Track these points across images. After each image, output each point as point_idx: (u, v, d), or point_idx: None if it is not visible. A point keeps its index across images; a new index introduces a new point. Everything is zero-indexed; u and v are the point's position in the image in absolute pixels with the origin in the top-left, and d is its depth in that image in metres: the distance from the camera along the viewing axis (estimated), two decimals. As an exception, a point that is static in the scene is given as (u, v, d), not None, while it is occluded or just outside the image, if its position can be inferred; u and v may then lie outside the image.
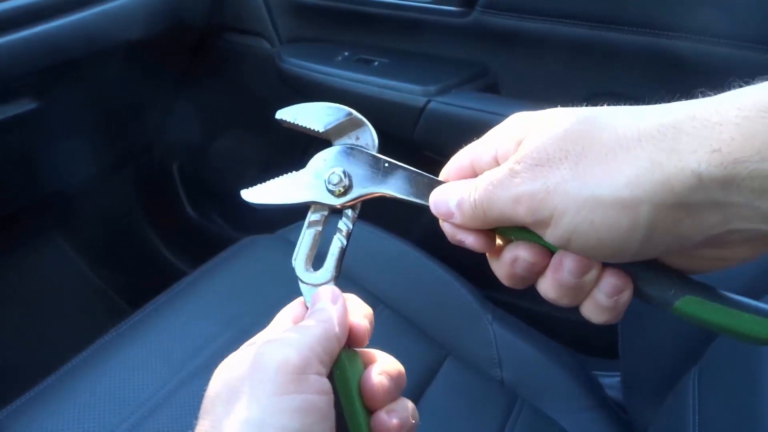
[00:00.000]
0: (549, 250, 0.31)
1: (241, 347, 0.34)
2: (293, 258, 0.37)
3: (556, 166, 0.27)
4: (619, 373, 0.93)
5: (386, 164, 0.36)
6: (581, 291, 0.30)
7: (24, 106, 0.97)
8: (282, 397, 0.30)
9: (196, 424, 0.31)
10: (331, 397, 0.32)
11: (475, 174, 0.32)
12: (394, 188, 0.35)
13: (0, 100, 0.94)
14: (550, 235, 0.28)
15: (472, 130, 1.16)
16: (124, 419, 0.68)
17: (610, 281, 0.30)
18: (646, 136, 0.26)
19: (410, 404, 0.35)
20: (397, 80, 1.02)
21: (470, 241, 0.32)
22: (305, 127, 0.37)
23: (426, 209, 0.34)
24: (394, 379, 0.34)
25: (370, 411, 0.34)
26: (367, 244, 0.94)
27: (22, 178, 1.15)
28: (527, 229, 0.30)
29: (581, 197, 0.26)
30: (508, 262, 0.32)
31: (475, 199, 0.31)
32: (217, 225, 1.48)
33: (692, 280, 0.30)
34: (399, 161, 0.36)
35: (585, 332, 1.07)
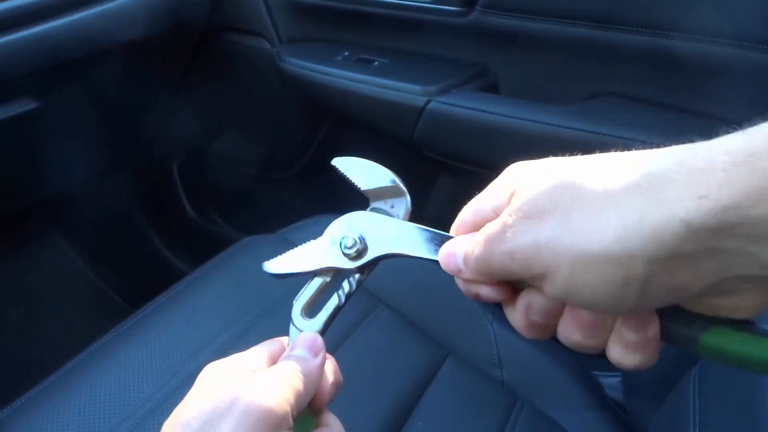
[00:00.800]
0: None
1: (212, 367, 0.34)
2: (294, 299, 0.38)
3: (545, 219, 0.27)
4: (619, 373, 0.93)
5: (400, 225, 0.37)
6: (605, 327, 0.30)
7: (24, 106, 0.97)
8: None
9: None
10: None
11: (478, 227, 0.32)
12: (407, 247, 0.36)
13: (0, 100, 0.94)
14: (548, 291, 0.28)
15: (473, 129, 1.16)
16: (125, 419, 0.68)
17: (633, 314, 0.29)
18: (633, 186, 0.26)
19: None
20: (397, 80, 1.02)
21: (485, 292, 0.32)
22: (351, 181, 0.39)
23: (427, 265, 0.36)
24: None
25: None
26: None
27: (22, 178, 1.15)
28: None
29: (572, 254, 0.26)
30: (523, 310, 0.31)
31: (477, 255, 0.31)
32: (217, 225, 1.48)
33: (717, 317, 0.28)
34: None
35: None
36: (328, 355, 0.37)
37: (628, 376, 0.83)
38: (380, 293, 0.88)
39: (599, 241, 0.25)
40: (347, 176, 0.39)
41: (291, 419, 0.31)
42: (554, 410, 0.81)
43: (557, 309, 0.31)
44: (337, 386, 0.37)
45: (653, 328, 0.29)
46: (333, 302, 0.38)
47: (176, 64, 1.27)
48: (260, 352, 0.37)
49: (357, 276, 0.38)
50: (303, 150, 1.30)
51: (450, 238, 0.35)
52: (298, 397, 0.33)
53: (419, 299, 0.90)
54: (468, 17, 0.99)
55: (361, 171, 0.39)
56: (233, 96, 1.33)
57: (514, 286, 0.32)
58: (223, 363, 0.35)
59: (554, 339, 0.32)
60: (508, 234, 0.28)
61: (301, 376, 0.33)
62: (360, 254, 0.37)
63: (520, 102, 0.96)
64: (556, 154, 0.31)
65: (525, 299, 0.31)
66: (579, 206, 0.27)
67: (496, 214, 0.31)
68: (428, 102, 0.98)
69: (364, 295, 0.87)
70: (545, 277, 0.28)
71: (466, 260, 0.32)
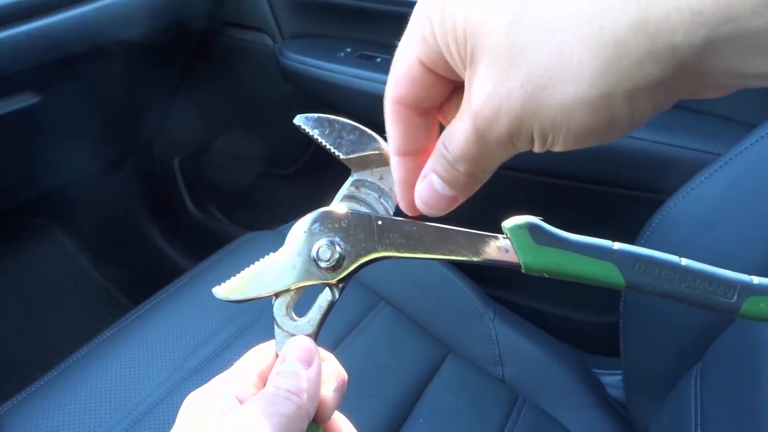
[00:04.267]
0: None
1: (195, 397, 0.31)
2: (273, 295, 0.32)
3: (516, 76, 0.23)
4: (620, 372, 0.93)
5: (380, 222, 0.31)
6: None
7: (25, 101, 0.97)
8: None
9: None
10: None
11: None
12: (391, 246, 0.31)
13: (1, 95, 0.94)
14: (547, 146, 0.25)
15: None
16: (126, 415, 0.68)
17: None
18: (603, 9, 0.21)
19: None
20: (399, 77, 1.02)
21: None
22: (324, 144, 0.32)
23: (429, 262, 0.32)
24: None
25: None
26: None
27: (23, 173, 1.15)
28: (548, 255, 0.28)
29: (552, 109, 0.23)
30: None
31: (471, 150, 0.26)
32: (218, 221, 1.48)
33: (751, 279, 0.27)
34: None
35: (586, 330, 1.07)
36: (328, 355, 0.33)
37: (630, 374, 0.83)
38: (381, 290, 0.88)
39: (574, 90, 0.22)
40: (321, 141, 0.32)
41: None
42: (555, 408, 0.81)
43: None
44: (341, 389, 0.33)
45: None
46: (325, 297, 0.32)
47: (177, 60, 1.26)
48: (246, 373, 0.32)
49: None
50: (304, 146, 1.30)
51: (446, 229, 0.30)
52: (290, 423, 0.29)
53: (420, 296, 0.90)
54: (471, 14, 0.99)
55: (338, 133, 0.32)
56: (234, 92, 1.33)
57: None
58: (205, 394, 0.31)
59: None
60: (484, 129, 0.24)
61: (292, 399, 0.29)
62: (338, 265, 0.31)
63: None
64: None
65: None
66: (540, 53, 0.22)
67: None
68: (430, 99, 0.98)
69: (365, 291, 0.87)
70: (536, 143, 0.24)
71: (453, 184, 0.27)
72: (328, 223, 0.31)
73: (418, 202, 0.29)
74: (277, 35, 1.19)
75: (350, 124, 0.32)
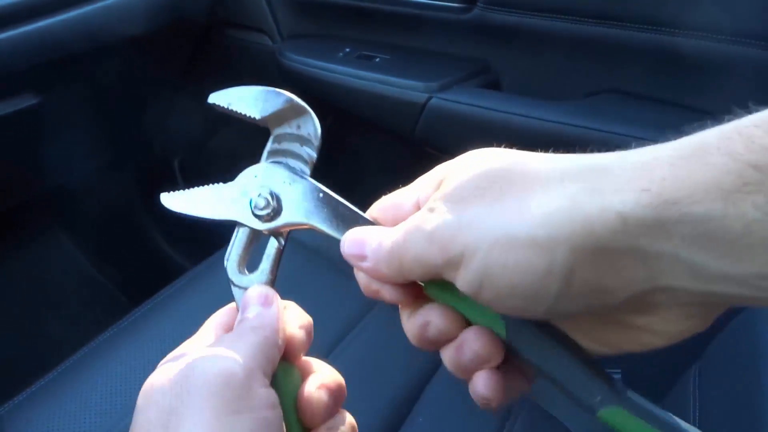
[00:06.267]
0: (463, 321, 0.29)
1: (162, 363, 0.31)
2: (225, 258, 0.34)
3: (472, 203, 0.25)
4: (619, 370, 0.93)
5: (321, 194, 0.32)
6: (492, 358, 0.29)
7: (26, 100, 0.97)
8: (231, 417, 0.27)
9: None
10: (281, 411, 0.29)
11: (396, 222, 0.30)
12: (322, 221, 0.32)
13: (2, 95, 0.94)
14: (462, 280, 0.26)
15: (474, 126, 1.16)
16: (126, 415, 0.68)
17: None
18: (569, 176, 0.24)
19: (350, 419, 0.32)
20: (398, 76, 1.02)
21: (387, 291, 0.30)
22: (241, 113, 0.34)
23: None
24: (334, 393, 0.31)
25: (307, 428, 0.31)
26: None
27: (23, 173, 1.15)
28: (443, 286, 0.28)
29: (493, 235, 0.24)
30: (420, 324, 0.30)
31: (392, 242, 0.28)
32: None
33: (624, 390, 0.28)
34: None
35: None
36: (290, 303, 0.34)
37: (629, 372, 0.83)
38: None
39: (523, 223, 0.24)
40: (234, 110, 0.34)
41: (262, 375, 0.29)
42: (555, 407, 0.81)
43: (453, 333, 0.29)
44: (308, 329, 0.33)
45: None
46: (272, 245, 0.33)
47: (177, 60, 1.26)
48: (208, 328, 0.34)
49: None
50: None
51: (367, 221, 0.31)
52: (266, 348, 0.30)
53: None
54: (470, 13, 0.99)
55: (248, 99, 0.34)
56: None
57: (419, 290, 0.30)
58: (173, 354, 0.32)
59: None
60: (431, 216, 0.26)
61: (258, 330, 0.30)
62: (272, 217, 0.32)
63: (522, 99, 0.96)
64: (557, 151, 0.30)
65: (424, 315, 0.30)
66: (508, 192, 0.25)
67: (418, 208, 0.29)
68: (430, 98, 0.98)
69: (361, 291, 0.87)
70: (461, 262, 0.25)
71: (376, 250, 0.29)
72: (277, 176, 0.33)
73: (344, 238, 0.31)
74: (276, 35, 1.19)
75: (258, 88, 0.34)
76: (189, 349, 0.31)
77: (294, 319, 0.33)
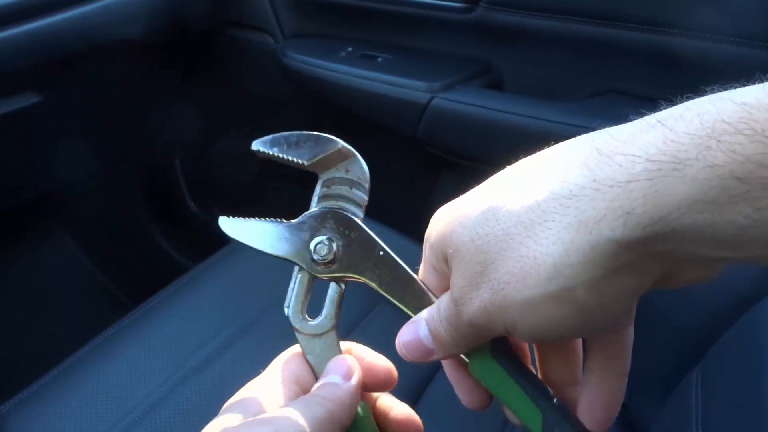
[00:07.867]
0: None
1: (226, 406, 0.30)
2: (285, 305, 0.33)
3: (480, 283, 0.27)
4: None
5: (381, 252, 0.33)
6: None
7: (27, 100, 0.97)
8: None
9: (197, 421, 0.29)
10: None
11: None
12: (381, 282, 0.33)
13: (3, 94, 0.94)
14: (520, 338, 0.28)
15: (476, 126, 1.16)
16: (127, 414, 0.68)
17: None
18: (548, 212, 0.24)
19: None
20: (401, 76, 1.02)
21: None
22: (288, 160, 0.34)
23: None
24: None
25: None
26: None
27: (24, 173, 1.15)
28: (488, 367, 0.32)
29: (516, 306, 0.26)
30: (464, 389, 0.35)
31: (446, 331, 0.30)
32: (220, 220, 1.48)
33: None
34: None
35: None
36: (371, 360, 0.36)
37: (631, 374, 0.83)
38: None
39: (535, 286, 0.25)
40: (280, 155, 0.34)
41: None
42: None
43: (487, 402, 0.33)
44: (386, 379, 0.36)
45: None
46: (333, 290, 0.34)
47: (179, 60, 1.26)
48: (278, 377, 0.33)
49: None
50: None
51: (422, 290, 0.32)
52: (329, 425, 0.30)
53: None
54: (472, 14, 0.99)
55: (295, 145, 0.34)
56: (236, 92, 1.33)
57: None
58: (239, 396, 0.32)
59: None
60: (460, 309, 0.28)
61: (326, 405, 0.30)
62: (329, 264, 0.33)
63: (524, 99, 0.96)
64: None
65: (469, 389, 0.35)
66: (504, 257, 0.26)
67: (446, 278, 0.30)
68: (432, 98, 0.98)
69: (365, 291, 0.86)
70: (509, 331, 0.27)
71: (435, 338, 0.31)
72: (338, 224, 0.33)
73: (398, 342, 0.32)
74: (278, 35, 1.19)
75: (304, 134, 0.34)
76: (255, 404, 0.31)
77: (377, 357, 0.36)
